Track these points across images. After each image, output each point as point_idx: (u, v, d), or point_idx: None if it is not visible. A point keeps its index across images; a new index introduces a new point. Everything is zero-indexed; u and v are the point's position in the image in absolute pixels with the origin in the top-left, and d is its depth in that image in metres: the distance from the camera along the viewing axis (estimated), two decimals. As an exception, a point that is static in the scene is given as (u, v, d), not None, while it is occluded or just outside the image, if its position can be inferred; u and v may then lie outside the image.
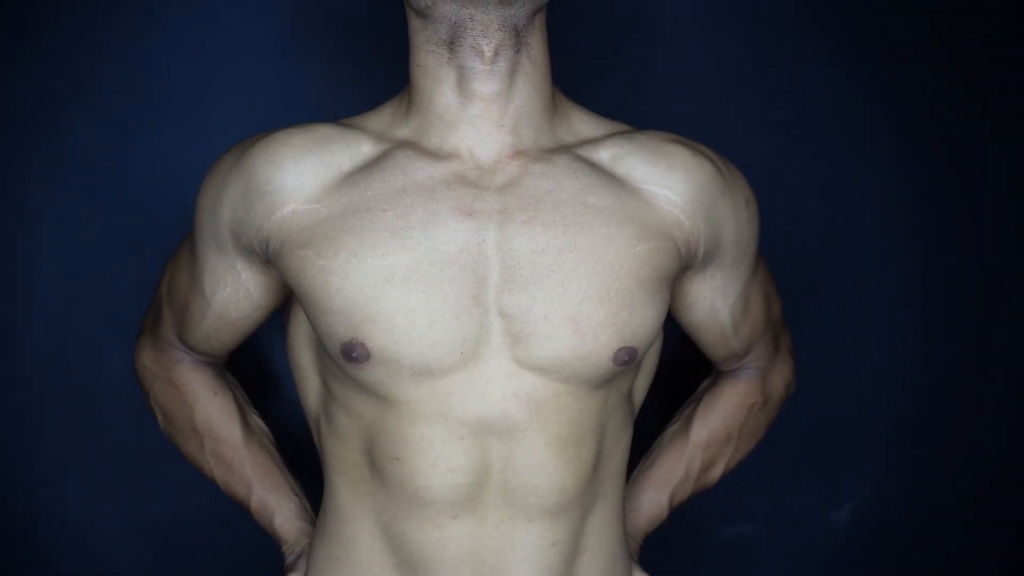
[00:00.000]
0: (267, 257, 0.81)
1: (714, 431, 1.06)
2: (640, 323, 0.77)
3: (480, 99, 0.75)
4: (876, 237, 1.48)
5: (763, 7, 1.43)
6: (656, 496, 1.08)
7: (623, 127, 0.89)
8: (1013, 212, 1.49)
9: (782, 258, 1.48)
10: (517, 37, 0.73)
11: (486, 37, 0.71)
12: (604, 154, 0.82)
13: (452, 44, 0.73)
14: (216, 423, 0.99)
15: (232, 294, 0.88)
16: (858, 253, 1.48)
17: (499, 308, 0.75)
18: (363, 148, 0.80)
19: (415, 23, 0.76)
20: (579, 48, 1.38)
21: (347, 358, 0.75)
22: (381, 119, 0.84)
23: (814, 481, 1.52)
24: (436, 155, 0.78)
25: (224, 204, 0.83)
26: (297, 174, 0.78)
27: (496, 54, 0.72)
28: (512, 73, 0.74)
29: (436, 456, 0.76)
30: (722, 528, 1.51)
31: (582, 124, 0.86)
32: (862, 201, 1.48)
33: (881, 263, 1.49)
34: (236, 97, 1.32)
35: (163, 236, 1.31)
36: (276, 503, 0.97)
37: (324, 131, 0.81)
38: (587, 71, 1.40)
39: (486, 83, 0.74)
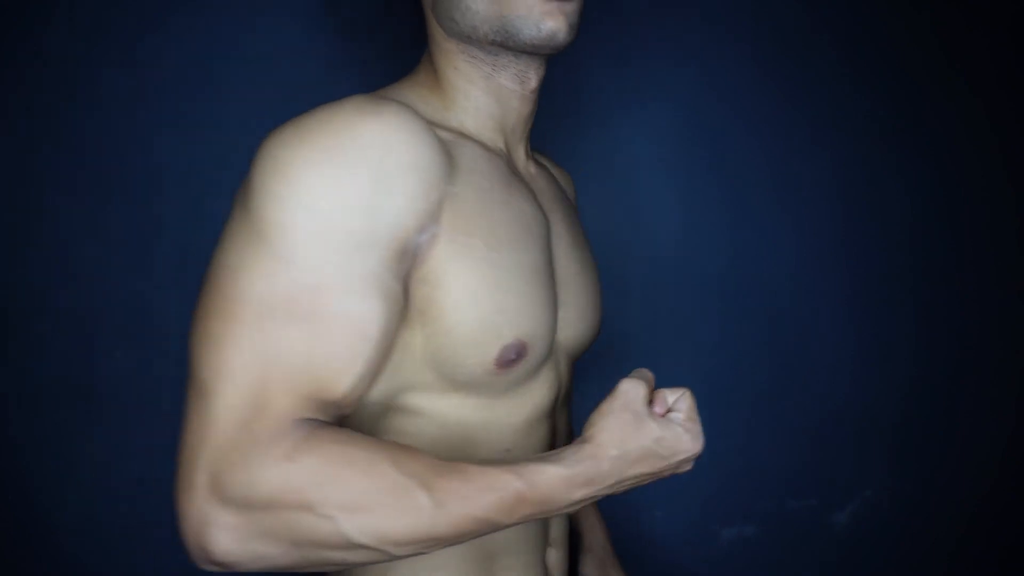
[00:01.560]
0: (415, 252, 0.63)
1: None
2: None
3: (517, 113, 0.79)
4: (878, 238, 1.48)
5: (767, 10, 1.44)
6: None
7: None
8: (1014, 214, 1.49)
9: (785, 257, 1.48)
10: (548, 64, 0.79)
11: (531, 71, 0.76)
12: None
13: (495, 66, 0.75)
14: (403, 459, 0.60)
15: (389, 304, 0.61)
16: (859, 254, 1.48)
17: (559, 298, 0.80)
18: (439, 132, 0.71)
19: (451, 40, 0.75)
20: (580, 48, 1.38)
21: (500, 363, 0.68)
22: (424, 105, 0.75)
23: (815, 483, 1.51)
24: (495, 152, 0.77)
25: (380, 192, 0.59)
26: (438, 150, 0.63)
27: (536, 83, 0.78)
28: (539, 91, 0.80)
29: (538, 440, 0.78)
30: (723, 530, 1.51)
31: None
32: (864, 202, 1.48)
33: (882, 265, 1.49)
34: (237, 99, 1.32)
35: (164, 234, 1.32)
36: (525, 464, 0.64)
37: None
38: (587, 71, 1.40)
39: (525, 104, 0.79)
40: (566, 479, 0.59)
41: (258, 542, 0.54)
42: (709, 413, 1.52)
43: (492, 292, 0.67)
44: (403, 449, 0.58)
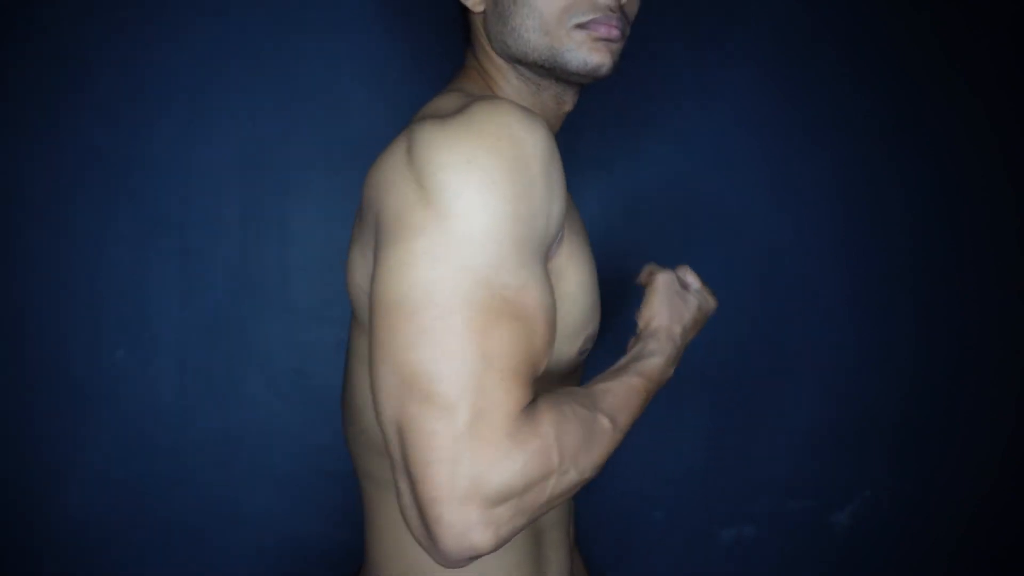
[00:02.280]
0: (552, 251, 0.69)
1: None
2: None
3: (551, 126, 0.85)
4: (878, 238, 1.49)
5: (772, 14, 1.44)
6: None
7: None
8: (1014, 214, 1.49)
9: (785, 257, 1.48)
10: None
11: (569, 95, 0.83)
12: None
13: (540, 86, 0.82)
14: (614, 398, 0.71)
15: (552, 298, 0.66)
16: (859, 254, 1.49)
17: None
18: None
19: (500, 58, 0.81)
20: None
21: (580, 353, 0.77)
22: None
23: (815, 484, 1.51)
24: None
25: (548, 192, 0.64)
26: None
27: (571, 107, 0.85)
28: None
29: None
30: (722, 531, 1.51)
31: None
32: (864, 203, 1.48)
33: (882, 265, 1.49)
34: (238, 98, 1.33)
35: (164, 233, 1.32)
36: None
37: None
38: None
39: (557, 122, 0.86)
40: (664, 363, 0.73)
41: (519, 520, 0.58)
42: (708, 413, 1.53)
43: (592, 287, 0.75)
44: (572, 392, 0.66)
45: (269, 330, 1.33)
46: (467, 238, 0.58)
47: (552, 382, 0.77)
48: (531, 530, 0.82)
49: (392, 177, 0.62)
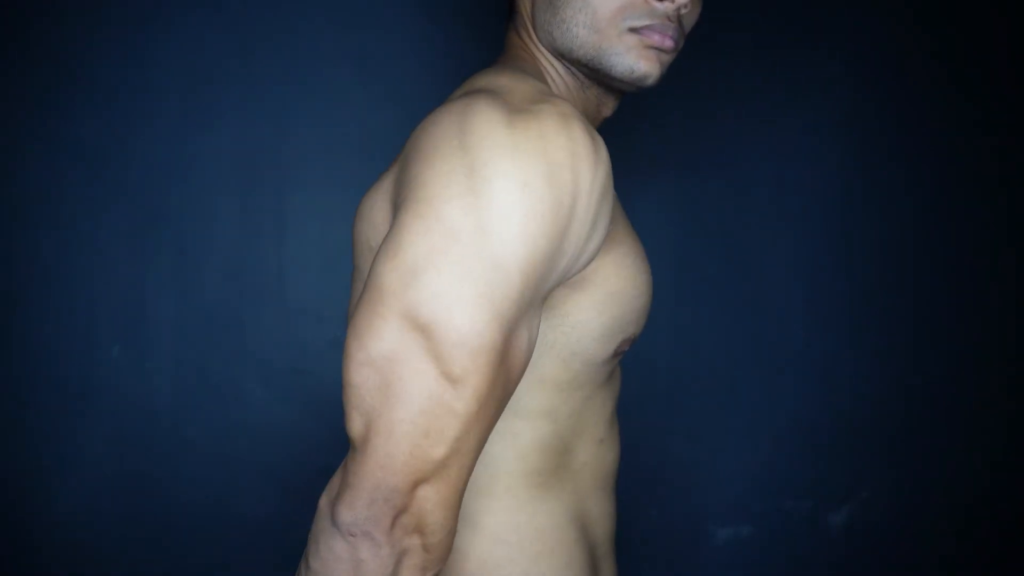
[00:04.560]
0: (579, 269, 0.66)
1: None
2: None
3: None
4: (878, 239, 1.49)
5: (768, 10, 1.44)
6: None
7: None
8: (1014, 214, 1.49)
9: (784, 257, 1.48)
10: None
11: (609, 101, 0.80)
12: None
13: (582, 85, 0.78)
14: None
15: (532, 348, 0.63)
16: (859, 254, 1.49)
17: None
18: None
19: (544, 49, 0.78)
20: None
21: (615, 354, 0.74)
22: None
23: (811, 484, 1.51)
24: None
25: (591, 229, 0.62)
26: (609, 170, 0.63)
27: (610, 113, 0.82)
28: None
29: (616, 430, 0.83)
30: (719, 531, 1.51)
31: None
32: (864, 202, 1.48)
33: (882, 265, 1.49)
34: (238, 96, 1.33)
35: (161, 230, 1.32)
36: None
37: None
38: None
39: (596, 126, 0.82)
40: None
41: None
42: (707, 414, 1.53)
43: (633, 296, 0.71)
44: None
45: (266, 328, 1.33)
46: (495, 265, 0.55)
47: (590, 386, 0.75)
48: (587, 544, 0.80)
49: (441, 149, 0.58)
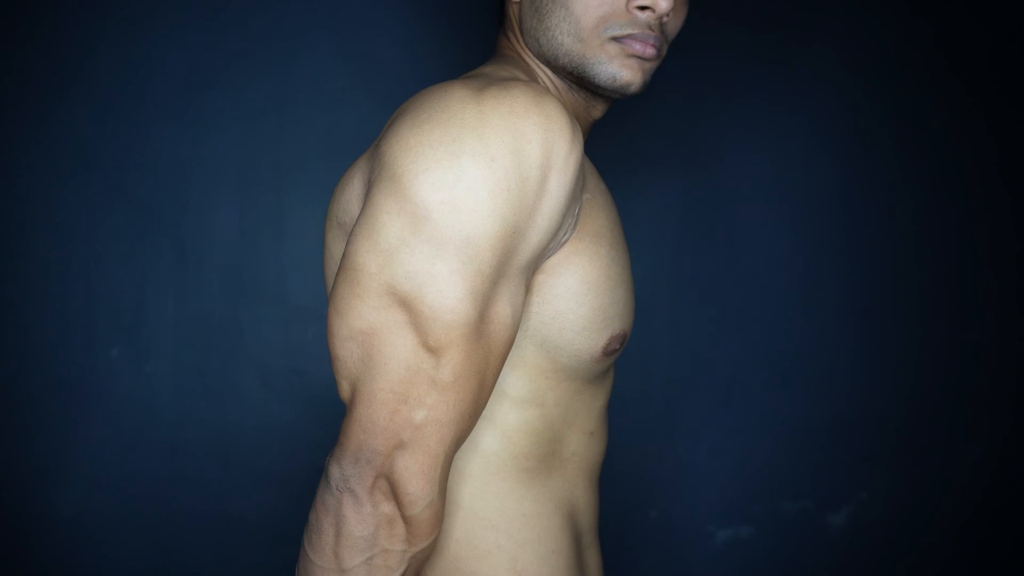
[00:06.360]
0: (546, 256, 0.68)
1: None
2: None
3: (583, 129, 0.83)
4: (878, 239, 1.48)
5: (768, 9, 1.44)
6: None
7: None
8: (1014, 215, 1.49)
9: (784, 258, 1.48)
10: None
11: (597, 105, 0.81)
12: None
13: (571, 87, 0.79)
14: None
15: (516, 322, 0.65)
16: (859, 256, 1.48)
17: None
18: None
19: (530, 53, 0.78)
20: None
21: (606, 351, 0.74)
22: None
23: (811, 485, 1.51)
24: None
25: (558, 192, 0.62)
26: (581, 162, 0.64)
27: (600, 115, 0.83)
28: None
29: (607, 425, 0.84)
30: (719, 531, 1.51)
31: None
32: (864, 203, 1.48)
33: (882, 266, 1.49)
34: (233, 95, 1.33)
35: (160, 231, 1.32)
36: None
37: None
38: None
39: (587, 127, 0.83)
40: None
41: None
42: (707, 414, 1.53)
43: (611, 287, 0.72)
44: None
45: (264, 329, 1.34)
46: (466, 241, 0.57)
47: (580, 380, 0.76)
48: (573, 533, 0.82)
49: (413, 126, 0.59)
